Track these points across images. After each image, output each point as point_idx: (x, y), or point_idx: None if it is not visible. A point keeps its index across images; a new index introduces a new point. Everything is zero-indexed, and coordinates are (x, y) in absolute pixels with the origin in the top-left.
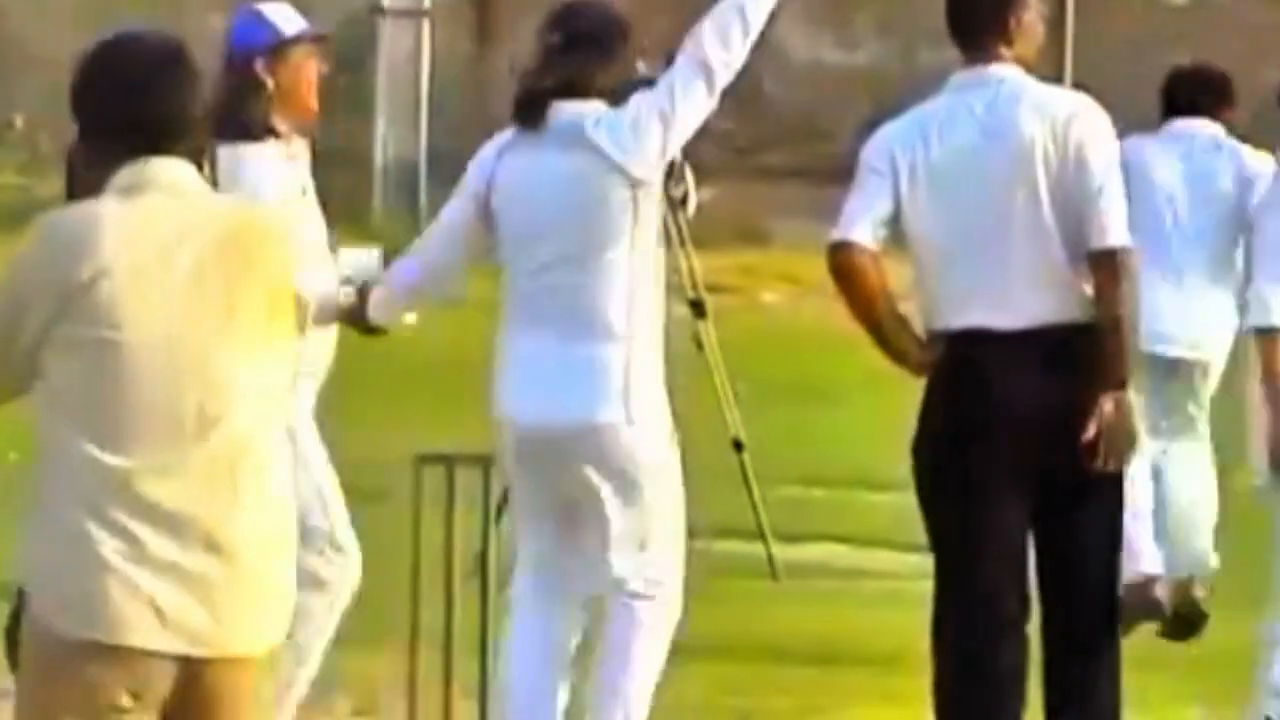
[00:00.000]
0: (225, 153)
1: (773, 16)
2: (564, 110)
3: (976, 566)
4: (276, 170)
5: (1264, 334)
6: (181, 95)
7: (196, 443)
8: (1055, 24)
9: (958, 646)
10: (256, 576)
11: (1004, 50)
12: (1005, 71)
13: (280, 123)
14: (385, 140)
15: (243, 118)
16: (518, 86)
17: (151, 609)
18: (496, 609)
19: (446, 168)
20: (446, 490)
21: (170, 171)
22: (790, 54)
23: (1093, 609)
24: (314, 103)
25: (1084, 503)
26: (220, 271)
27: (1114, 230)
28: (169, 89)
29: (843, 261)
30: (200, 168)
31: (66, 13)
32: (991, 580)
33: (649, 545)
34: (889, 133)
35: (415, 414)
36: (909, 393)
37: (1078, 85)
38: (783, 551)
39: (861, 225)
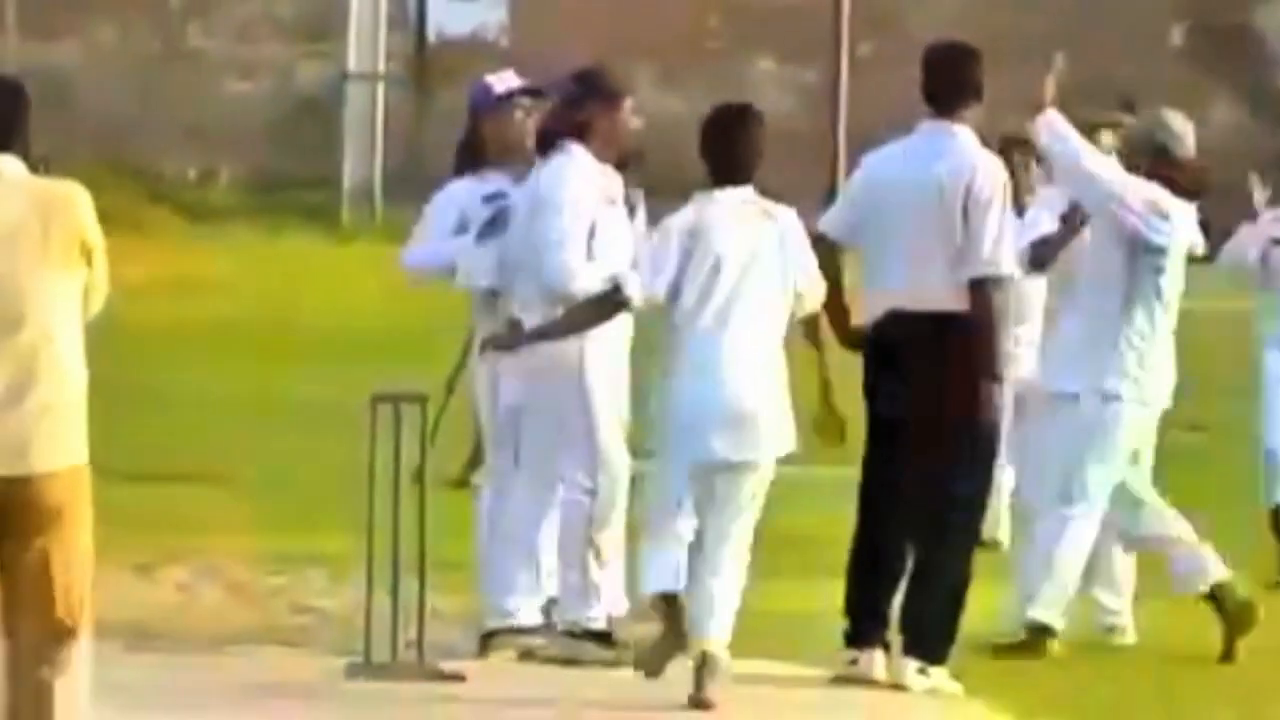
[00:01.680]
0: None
1: None
2: None
3: None
4: (461, 194)
5: None
6: (15, 115)
7: (14, 333)
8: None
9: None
10: (52, 418)
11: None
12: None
13: (493, 159)
14: (351, 168)
15: (464, 157)
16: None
17: None
18: (433, 507)
19: (395, 190)
20: (394, 421)
21: (8, 165)
22: None
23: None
24: (523, 143)
25: None
26: (38, 224)
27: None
28: (9, 110)
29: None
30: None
31: None
32: None
33: None
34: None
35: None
36: None
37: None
38: None
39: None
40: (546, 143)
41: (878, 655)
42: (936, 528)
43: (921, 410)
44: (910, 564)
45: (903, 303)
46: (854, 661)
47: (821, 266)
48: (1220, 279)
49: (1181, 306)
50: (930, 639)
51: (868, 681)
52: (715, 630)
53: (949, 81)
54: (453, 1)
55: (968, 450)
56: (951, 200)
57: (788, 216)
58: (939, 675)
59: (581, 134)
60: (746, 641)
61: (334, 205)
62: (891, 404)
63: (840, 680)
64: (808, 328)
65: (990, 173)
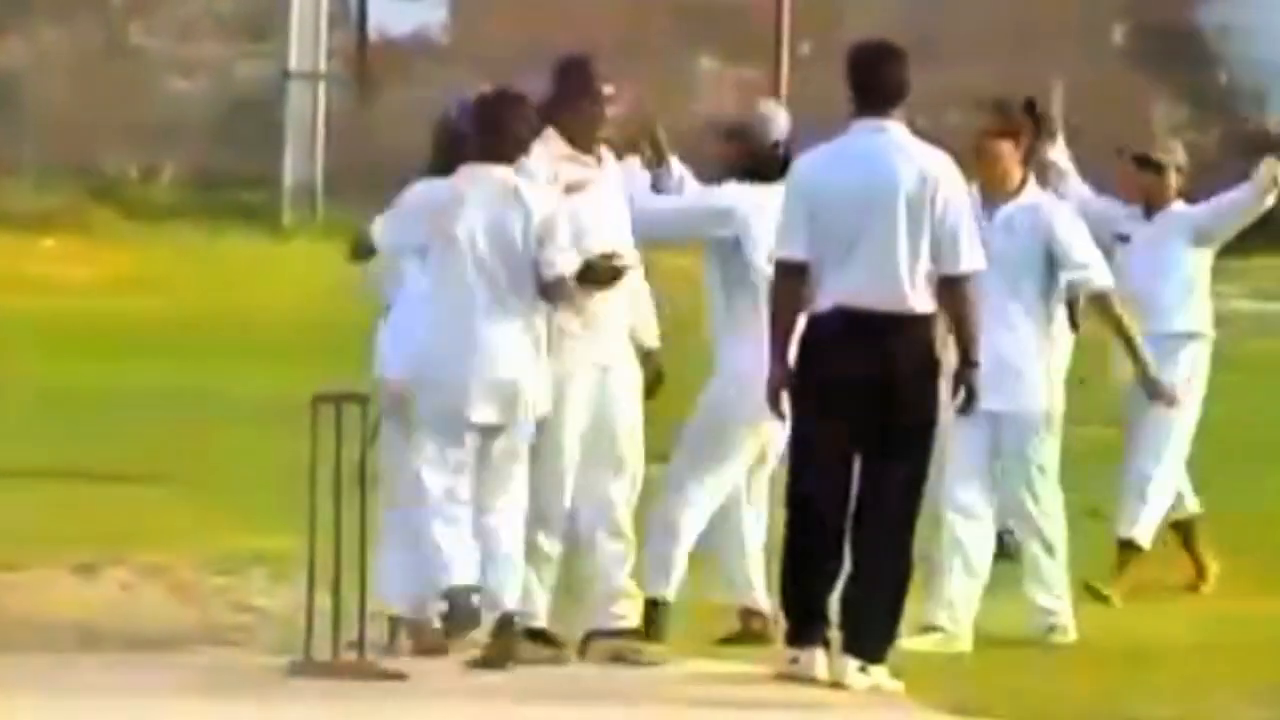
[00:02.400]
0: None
1: None
2: None
3: None
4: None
5: None
6: None
7: None
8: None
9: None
10: None
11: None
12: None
13: None
14: (292, 168)
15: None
16: None
17: None
18: (371, 506)
19: (336, 188)
20: (336, 421)
21: None
22: None
23: None
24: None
25: None
26: None
27: None
28: None
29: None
30: None
31: None
32: None
33: None
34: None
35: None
36: None
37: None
38: None
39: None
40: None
41: (819, 654)
42: (886, 528)
43: (903, 414)
44: (848, 563)
45: (871, 305)
46: (795, 660)
47: (793, 295)
48: None
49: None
50: (871, 637)
51: (809, 680)
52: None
53: (878, 80)
54: (394, 0)
55: (928, 450)
56: (919, 200)
57: None
58: (880, 673)
59: (556, 121)
60: (688, 641)
61: (275, 204)
62: (862, 407)
63: (782, 679)
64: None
65: (955, 170)
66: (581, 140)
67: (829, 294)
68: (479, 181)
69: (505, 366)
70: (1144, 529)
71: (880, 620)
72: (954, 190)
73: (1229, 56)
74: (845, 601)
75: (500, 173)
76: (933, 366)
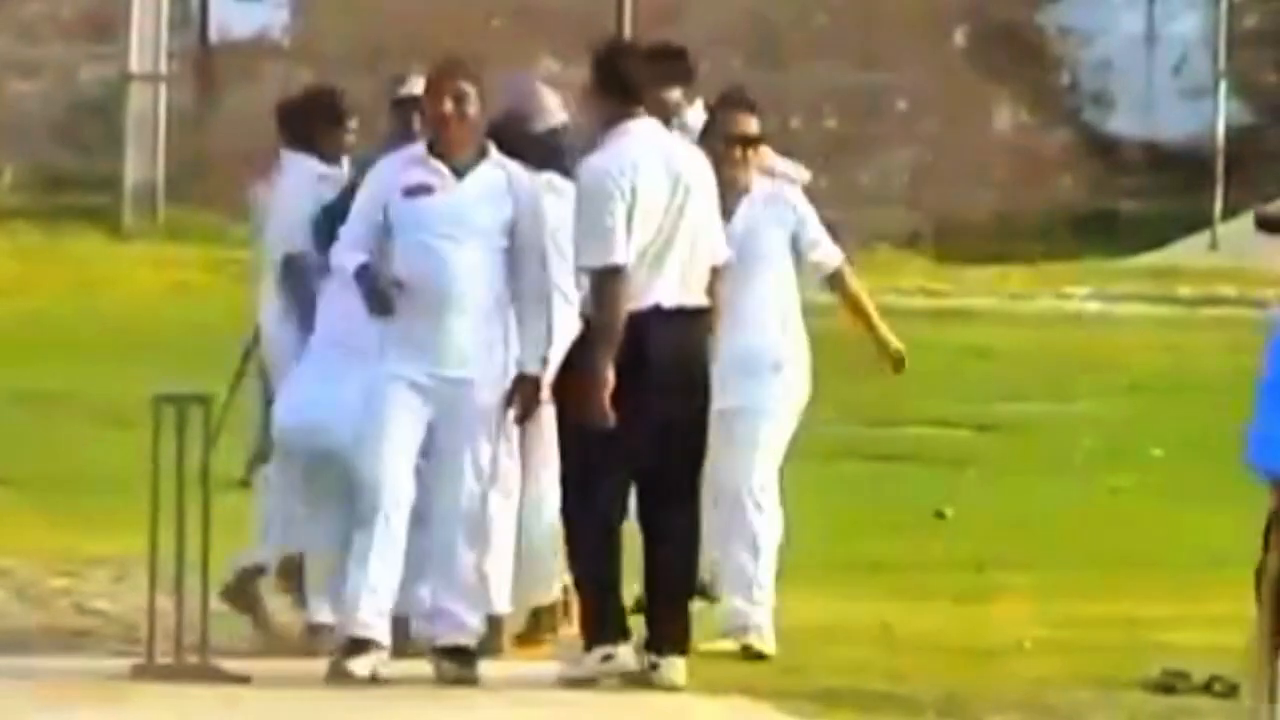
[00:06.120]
0: None
1: None
2: None
3: None
4: None
5: None
6: None
7: None
8: None
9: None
10: None
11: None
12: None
13: None
14: (133, 169)
15: None
16: None
17: None
18: (212, 507)
19: (178, 190)
20: (178, 421)
21: None
22: None
23: None
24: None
25: None
26: None
27: None
28: None
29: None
30: None
31: None
32: None
33: None
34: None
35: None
36: None
37: None
38: None
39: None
40: None
41: (627, 650)
42: (686, 522)
43: (706, 402)
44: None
45: (681, 301)
46: (608, 658)
47: (618, 302)
48: None
49: None
50: (677, 630)
51: (623, 676)
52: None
53: (625, 79)
54: (236, 2)
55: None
56: (700, 192)
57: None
58: (681, 666)
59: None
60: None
61: (116, 205)
62: (679, 402)
63: (598, 677)
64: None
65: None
66: (437, 146)
67: (649, 293)
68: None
69: None
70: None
71: (684, 612)
72: (711, 182)
73: (1071, 59)
74: (652, 596)
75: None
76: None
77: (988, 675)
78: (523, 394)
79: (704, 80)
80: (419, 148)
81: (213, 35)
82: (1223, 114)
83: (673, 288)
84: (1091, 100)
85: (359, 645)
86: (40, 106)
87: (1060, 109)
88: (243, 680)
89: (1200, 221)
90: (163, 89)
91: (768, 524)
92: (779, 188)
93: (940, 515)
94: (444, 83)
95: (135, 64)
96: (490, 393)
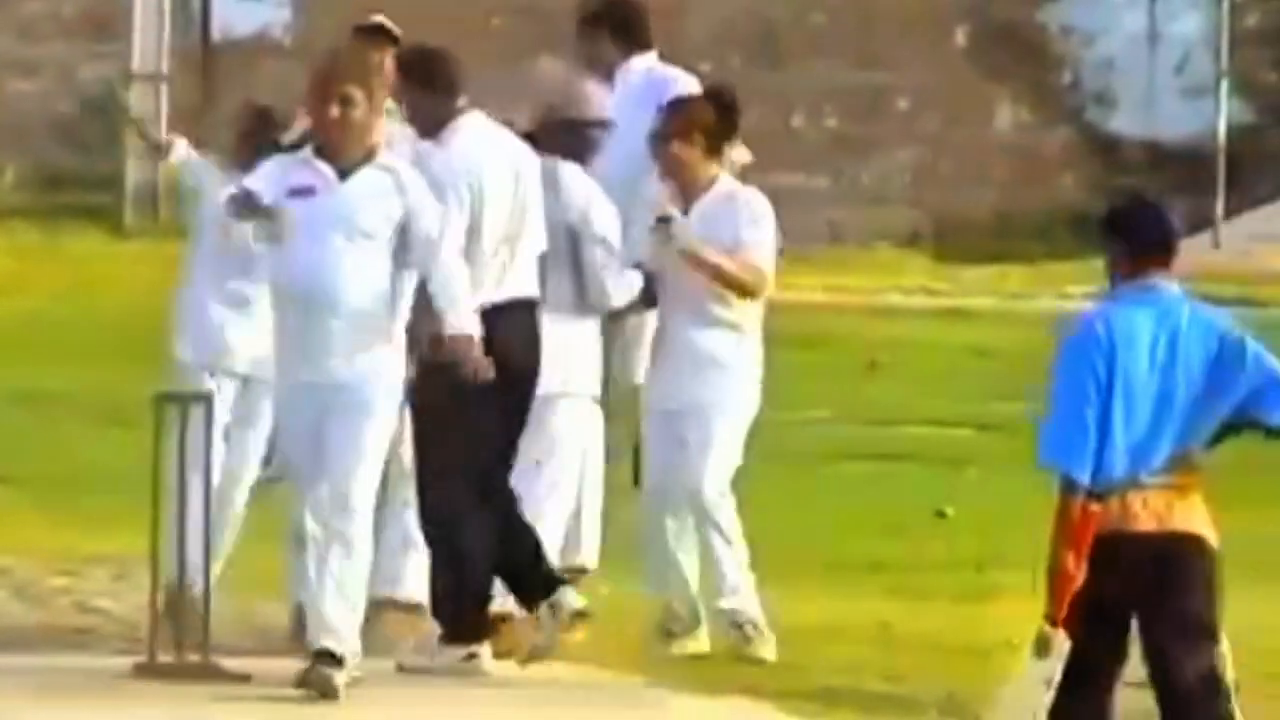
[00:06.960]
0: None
1: None
2: None
3: None
4: None
5: None
6: None
7: None
8: None
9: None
10: None
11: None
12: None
13: None
14: (133, 169)
15: None
16: None
17: None
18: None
19: (179, 189)
20: (180, 419)
21: None
22: None
23: None
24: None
25: None
26: None
27: None
28: None
29: None
30: None
31: None
32: None
33: None
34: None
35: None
36: None
37: None
38: None
39: None
40: None
41: (486, 648)
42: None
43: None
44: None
45: (530, 293)
46: (471, 656)
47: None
48: None
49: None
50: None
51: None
52: None
53: (447, 79)
54: (238, 1)
55: None
56: (529, 183)
57: None
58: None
59: None
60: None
61: (117, 205)
62: (524, 393)
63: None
64: None
65: None
66: (323, 149)
67: (503, 287)
68: None
69: None
70: None
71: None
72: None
73: (1072, 58)
74: (520, 594)
75: None
76: None
77: (988, 675)
78: (458, 351)
79: (704, 80)
80: (307, 150)
81: (214, 34)
82: (1224, 113)
83: (524, 281)
84: (1093, 99)
85: (331, 656)
86: (41, 105)
87: (1061, 108)
88: (243, 679)
89: (1201, 221)
90: (164, 88)
91: (729, 519)
92: (733, 184)
93: (940, 515)
94: (329, 86)
95: (137, 63)
96: (375, 392)
